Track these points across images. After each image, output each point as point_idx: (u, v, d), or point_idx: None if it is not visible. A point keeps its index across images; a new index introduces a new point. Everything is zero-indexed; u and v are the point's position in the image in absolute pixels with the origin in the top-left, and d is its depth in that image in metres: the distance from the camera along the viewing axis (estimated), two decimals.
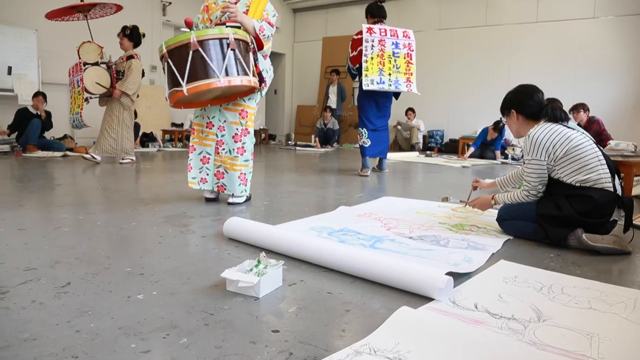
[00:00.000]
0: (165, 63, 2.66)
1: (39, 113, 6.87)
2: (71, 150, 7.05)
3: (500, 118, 6.87)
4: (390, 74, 4.81)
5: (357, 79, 5.05)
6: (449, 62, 9.77)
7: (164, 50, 2.67)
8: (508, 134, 7.85)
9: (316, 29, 11.30)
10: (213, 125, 2.95)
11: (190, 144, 3.03)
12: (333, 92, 10.13)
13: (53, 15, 5.57)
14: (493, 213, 2.70)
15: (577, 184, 2.12)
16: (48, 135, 7.17)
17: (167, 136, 9.15)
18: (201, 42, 2.59)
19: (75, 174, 4.58)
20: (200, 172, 3.01)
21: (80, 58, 5.34)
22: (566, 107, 6.41)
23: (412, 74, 5.04)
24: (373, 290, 1.53)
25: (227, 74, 2.56)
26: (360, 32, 4.82)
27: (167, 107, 9.79)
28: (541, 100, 2.34)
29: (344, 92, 10.17)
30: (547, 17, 8.68)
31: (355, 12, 10.89)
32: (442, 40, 9.82)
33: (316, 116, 10.41)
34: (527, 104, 2.34)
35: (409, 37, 5.01)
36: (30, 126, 6.67)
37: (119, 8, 5.94)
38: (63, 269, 1.67)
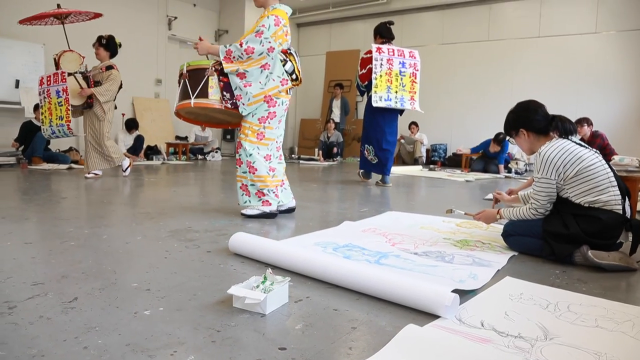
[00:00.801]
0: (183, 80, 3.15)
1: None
2: (76, 162, 7.09)
3: (500, 133, 6.85)
4: (396, 92, 5.09)
5: (364, 95, 5.30)
6: (452, 76, 9.82)
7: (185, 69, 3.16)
8: (511, 148, 7.86)
9: (320, 44, 11.40)
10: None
11: None
12: (337, 105, 10.19)
13: (27, 20, 5.36)
14: (498, 229, 2.70)
15: (586, 204, 2.12)
16: (53, 147, 7.22)
17: (171, 149, 9.19)
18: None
19: (80, 186, 4.60)
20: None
21: (59, 67, 5.09)
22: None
23: (415, 92, 5.31)
24: (379, 307, 1.53)
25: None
26: (370, 52, 5.05)
27: (171, 120, 9.87)
28: (546, 113, 2.35)
29: (348, 106, 10.23)
30: (549, 32, 8.75)
31: (358, 26, 10.99)
32: (445, 55, 9.89)
33: (320, 130, 10.45)
34: (534, 119, 2.33)
35: (415, 57, 5.28)
36: (35, 139, 6.72)
37: (96, 15, 5.74)
38: (70, 284, 1.67)
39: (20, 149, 6.86)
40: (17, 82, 7.22)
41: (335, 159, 9.69)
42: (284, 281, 1.52)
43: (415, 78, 5.31)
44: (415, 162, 9.37)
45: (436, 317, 1.45)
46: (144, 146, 8.38)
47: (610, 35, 8.22)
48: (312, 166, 8.37)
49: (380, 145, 5.20)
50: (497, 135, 7.56)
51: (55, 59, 5.16)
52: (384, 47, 5.10)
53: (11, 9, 7.13)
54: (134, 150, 8.07)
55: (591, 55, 8.36)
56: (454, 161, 9.40)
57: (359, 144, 5.73)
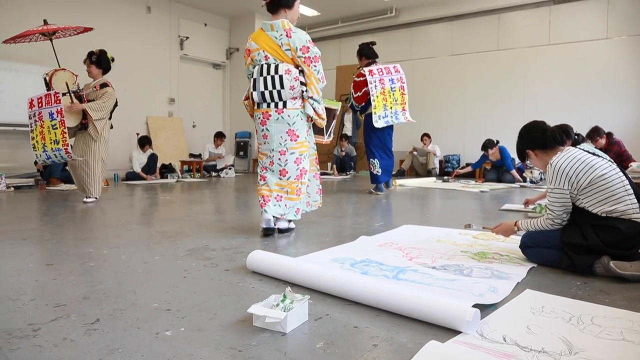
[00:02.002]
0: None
1: None
2: None
3: (486, 139, 6.92)
4: (391, 108, 5.46)
5: (360, 114, 5.85)
6: (462, 86, 9.82)
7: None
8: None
9: (330, 58, 11.48)
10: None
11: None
12: (348, 119, 10.23)
13: (12, 39, 5.19)
14: (515, 240, 2.68)
15: (604, 214, 2.09)
16: None
17: (185, 167, 9.28)
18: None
19: (96, 206, 4.66)
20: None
21: (51, 87, 4.78)
22: (585, 129, 6.33)
23: (405, 103, 5.60)
24: (399, 323, 1.52)
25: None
26: (361, 75, 5.50)
27: (185, 138, 9.98)
28: (544, 128, 2.36)
29: (359, 119, 10.26)
30: (559, 40, 8.72)
31: (367, 40, 11.04)
32: (455, 66, 9.90)
33: (332, 144, 10.48)
34: (533, 137, 2.37)
35: (399, 72, 5.62)
36: None
37: (86, 29, 5.49)
38: (91, 305, 1.69)
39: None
40: None
41: (348, 173, 9.69)
42: (304, 299, 1.52)
43: (404, 90, 5.59)
44: (428, 174, 9.34)
45: (457, 332, 1.44)
46: (159, 164, 8.47)
47: (622, 41, 8.17)
48: (325, 180, 8.38)
49: (383, 157, 5.68)
50: (484, 144, 7.55)
51: (45, 79, 4.89)
52: (374, 68, 5.51)
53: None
54: (148, 168, 8.16)
55: (603, 61, 8.31)
56: (467, 172, 9.34)
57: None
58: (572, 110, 8.34)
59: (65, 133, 4.58)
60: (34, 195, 5.76)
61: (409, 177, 9.22)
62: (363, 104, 5.51)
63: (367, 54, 5.67)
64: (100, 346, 1.34)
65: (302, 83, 3.02)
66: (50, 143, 4.64)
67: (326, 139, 3.39)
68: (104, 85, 5.04)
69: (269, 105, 3.03)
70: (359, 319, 1.56)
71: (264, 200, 3.04)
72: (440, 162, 9.81)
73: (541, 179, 7.93)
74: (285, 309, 1.45)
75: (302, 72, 3.03)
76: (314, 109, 3.06)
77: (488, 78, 9.51)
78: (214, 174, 9.48)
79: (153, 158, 8.25)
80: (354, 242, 2.82)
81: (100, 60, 5.05)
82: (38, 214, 4.11)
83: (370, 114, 5.47)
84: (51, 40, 5.20)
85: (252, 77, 3.07)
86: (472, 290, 1.85)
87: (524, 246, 2.38)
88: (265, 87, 2.99)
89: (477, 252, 2.56)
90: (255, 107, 3.11)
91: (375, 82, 5.38)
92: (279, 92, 2.98)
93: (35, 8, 7.51)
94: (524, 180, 7.58)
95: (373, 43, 5.78)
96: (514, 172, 7.49)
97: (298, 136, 3.06)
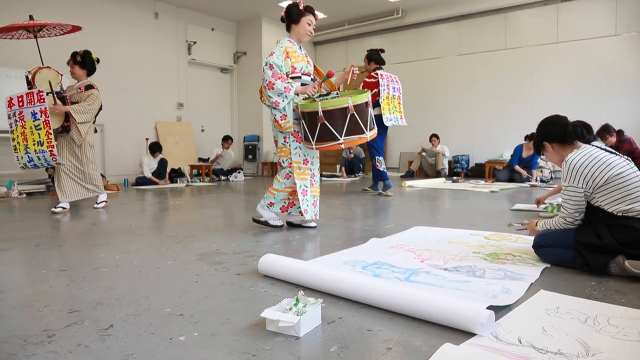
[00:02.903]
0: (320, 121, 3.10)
1: None
2: (103, 187, 7.21)
3: (533, 132, 6.95)
4: (393, 112, 5.79)
5: None
6: (470, 86, 9.78)
7: (320, 111, 3.06)
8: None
9: (337, 61, 11.48)
10: (308, 162, 3.34)
11: (299, 180, 3.28)
12: None
13: None
14: (527, 240, 2.66)
15: (619, 214, 2.07)
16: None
17: (194, 171, 9.31)
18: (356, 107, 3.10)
19: (107, 212, 4.69)
20: (306, 203, 3.32)
21: (34, 86, 4.51)
22: (595, 127, 6.30)
23: (401, 111, 6.01)
24: (413, 326, 1.52)
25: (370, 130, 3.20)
26: (372, 77, 5.81)
27: (194, 142, 10.02)
28: (565, 122, 2.33)
29: None
30: (567, 37, 8.66)
31: (374, 42, 11.05)
32: (463, 66, 9.87)
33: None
34: (552, 130, 2.35)
35: (398, 82, 6.06)
36: None
37: (74, 28, 5.22)
38: (105, 311, 1.70)
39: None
40: None
41: (357, 175, 9.68)
42: (317, 303, 1.51)
43: (400, 100, 6.01)
44: (437, 174, 9.30)
45: (472, 334, 1.43)
46: (168, 169, 8.51)
47: (632, 37, 8.09)
48: (334, 183, 8.37)
49: (383, 155, 5.99)
50: (531, 135, 7.41)
51: (27, 77, 4.61)
52: (383, 73, 5.84)
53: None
54: (159, 173, 8.20)
55: (612, 57, 8.23)
56: (477, 172, 9.30)
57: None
58: (581, 108, 8.26)
59: (51, 134, 4.35)
60: (45, 201, 5.80)
61: (418, 178, 9.18)
62: (372, 104, 5.67)
63: (377, 59, 5.91)
64: (115, 352, 1.35)
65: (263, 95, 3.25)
66: (34, 145, 4.37)
67: (369, 134, 3.18)
68: (89, 87, 4.82)
69: None
70: (372, 322, 1.55)
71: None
72: (450, 162, 9.77)
73: (551, 177, 7.87)
74: (298, 313, 1.45)
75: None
76: (273, 116, 3.22)
77: (496, 77, 9.46)
78: (223, 177, 9.51)
79: (163, 163, 8.29)
80: (365, 245, 2.81)
81: (84, 61, 4.83)
82: (50, 220, 4.14)
83: (377, 115, 5.58)
84: (36, 38, 4.93)
85: None
86: (486, 292, 1.83)
87: (537, 246, 2.36)
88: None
89: (489, 253, 2.54)
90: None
91: (384, 85, 5.67)
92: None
93: (41, 11, 7.58)
94: (535, 179, 7.52)
95: (382, 50, 6.03)
96: (534, 171, 7.41)
97: (276, 142, 3.34)
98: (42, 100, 4.32)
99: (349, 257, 2.48)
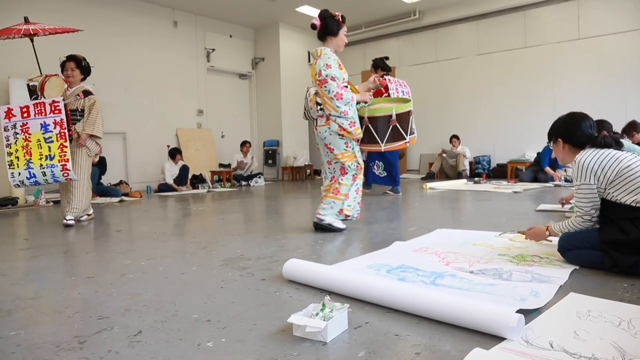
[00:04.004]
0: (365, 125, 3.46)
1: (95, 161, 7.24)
2: (127, 195, 7.35)
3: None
4: None
5: None
6: (490, 86, 9.68)
7: (366, 116, 3.45)
8: None
9: (355, 63, 11.48)
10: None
11: (358, 180, 3.50)
12: None
13: None
14: (555, 242, 2.61)
15: (637, 204, 2.03)
16: (105, 181, 7.52)
17: (215, 177, 9.40)
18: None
19: (132, 219, 4.76)
20: (354, 200, 3.50)
21: (42, 95, 4.29)
22: (619, 125, 6.16)
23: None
24: (441, 330, 1.50)
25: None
26: (381, 82, 5.88)
27: (215, 148, 10.11)
28: (590, 132, 2.28)
29: None
30: (589, 33, 8.51)
31: (392, 44, 11.04)
32: (483, 65, 9.77)
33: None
34: (574, 134, 2.31)
35: (407, 86, 6.12)
36: None
37: (68, 30, 4.96)
38: (133, 317, 1.72)
39: None
40: None
41: None
42: (343, 308, 1.51)
43: None
44: (458, 175, 9.22)
45: (501, 339, 1.40)
46: (190, 175, 8.60)
47: None
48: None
49: (388, 160, 6.22)
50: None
51: (29, 85, 4.39)
52: (391, 78, 5.99)
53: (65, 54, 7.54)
54: (180, 179, 8.31)
55: (636, 53, 8.06)
56: (499, 172, 9.19)
57: (400, 160, 6.14)
58: (606, 106, 8.11)
59: (66, 147, 4.11)
60: None
61: (439, 179, 9.11)
62: None
63: (383, 66, 6.17)
64: (144, 358, 1.36)
65: (317, 103, 3.37)
66: (40, 159, 4.08)
67: (409, 139, 3.52)
68: (87, 92, 4.54)
69: (312, 122, 3.56)
70: (400, 327, 1.54)
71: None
72: (470, 163, 9.68)
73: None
74: (325, 318, 1.45)
75: (317, 93, 3.39)
76: (338, 125, 3.32)
77: (516, 76, 9.34)
78: (243, 183, 9.58)
79: (185, 169, 8.39)
80: (389, 248, 2.79)
81: (87, 67, 4.59)
82: (76, 227, 4.21)
83: None
84: (31, 39, 4.66)
85: None
86: (514, 295, 1.81)
87: (562, 249, 2.32)
88: (304, 108, 3.56)
89: (516, 255, 2.50)
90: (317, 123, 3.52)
91: (393, 89, 5.85)
92: (308, 112, 3.49)
93: (62, 19, 7.75)
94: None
95: (387, 58, 6.28)
96: (561, 170, 7.29)
97: (333, 149, 3.40)
98: (57, 111, 4.11)
99: (373, 261, 2.47)
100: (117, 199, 6.83)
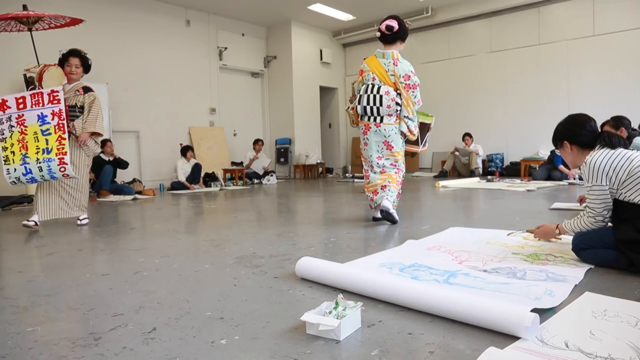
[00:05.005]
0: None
1: (110, 159, 7.31)
2: (140, 193, 7.41)
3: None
4: None
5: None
6: (503, 84, 9.59)
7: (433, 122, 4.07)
8: None
9: None
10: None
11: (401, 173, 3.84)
12: None
13: None
14: (569, 240, 2.58)
15: None
16: (118, 179, 7.59)
17: (228, 175, 9.44)
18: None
19: (145, 217, 4.80)
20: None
21: (41, 85, 3.95)
22: (637, 122, 6.06)
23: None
24: (454, 329, 1.49)
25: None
26: None
27: (227, 146, 10.16)
28: (594, 128, 2.28)
29: None
30: (605, 30, 8.38)
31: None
32: (495, 63, 9.69)
33: None
34: (579, 134, 2.30)
35: None
36: (102, 172, 7.10)
37: (74, 21, 4.62)
38: (147, 314, 1.73)
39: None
40: None
41: None
42: (357, 306, 1.51)
43: None
44: (471, 174, 9.16)
45: (516, 338, 1.39)
46: (202, 173, 8.65)
47: None
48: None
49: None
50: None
51: (26, 75, 4.12)
52: None
53: None
54: (193, 178, 8.35)
55: None
56: (512, 171, 9.11)
57: (412, 159, 6.10)
58: (621, 103, 7.99)
59: (64, 139, 3.83)
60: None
61: (452, 178, 9.06)
62: None
63: None
64: (159, 355, 1.37)
65: (397, 104, 3.63)
66: (37, 153, 3.79)
67: (421, 148, 3.96)
68: (87, 89, 4.27)
69: (369, 119, 3.71)
70: (413, 326, 1.54)
71: (372, 195, 3.75)
72: (483, 161, 9.60)
73: None
74: (338, 316, 1.45)
75: (399, 94, 3.64)
76: (407, 127, 3.67)
77: (530, 74, 9.25)
78: (255, 181, 9.61)
79: (197, 168, 8.44)
80: (401, 246, 2.79)
81: (88, 62, 4.32)
82: (91, 225, 4.26)
83: None
84: (30, 31, 4.36)
85: (359, 93, 3.75)
86: (528, 294, 1.79)
87: (577, 248, 2.30)
88: (368, 103, 3.66)
89: (530, 254, 2.48)
90: (359, 119, 3.81)
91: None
92: (377, 109, 3.64)
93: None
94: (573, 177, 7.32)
95: None
96: (562, 167, 7.24)
97: (393, 147, 3.70)
98: (56, 101, 3.83)
99: (386, 259, 2.47)
100: (131, 197, 6.89)
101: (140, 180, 8.25)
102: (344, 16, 10.51)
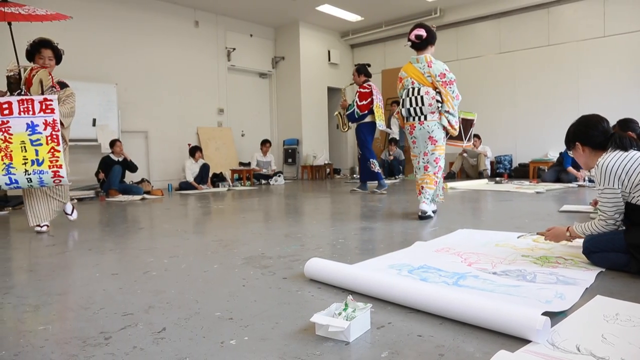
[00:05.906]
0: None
1: (119, 159, 7.35)
2: (148, 193, 7.45)
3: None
4: (380, 119, 6.63)
5: (355, 122, 6.73)
6: (512, 85, 9.54)
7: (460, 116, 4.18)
8: None
9: (374, 63, 11.40)
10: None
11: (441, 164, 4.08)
12: (395, 123, 10.10)
13: None
14: (580, 243, 2.56)
15: None
16: (127, 179, 7.64)
17: (235, 175, 9.46)
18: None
19: (154, 217, 4.82)
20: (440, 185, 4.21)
21: (27, 91, 3.70)
22: None
23: (383, 117, 6.80)
24: (464, 332, 1.49)
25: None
26: (365, 87, 6.57)
27: (235, 147, 10.18)
28: (606, 129, 2.26)
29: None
30: (615, 30, 8.33)
31: None
32: (504, 64, 9.65)
33: (380, 148, 10.42)
34: (591, 135, 2.28)
35: (380, 93, 6.78)
36: (111, 172, 7.15)
37: (58, 17, 4.18)
38: (157, 314, 1.74)
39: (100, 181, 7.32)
40: (94, 120, 7.74)
41: (397, 177, 9.60)
42: (366, 308, 1.51)
43: (382, 109, 6.80)
44: (479, 175, 9.12)
45: (526, 341, 1.38)
46: (210, 174, 8.68)
47: None
48: (374, 184, 8.31)
49: (364, 156, 6.71)
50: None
51: (9, 77, 3.70)
52: (372, 85, 6.64)
53: (89, 55, 7.67)
54: (201, 178, 8.38)
55: None
56: (520, 172, 9.06)
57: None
58: (632, 105, 7.92)
59: (58, 152, 3.59)
60: (95, 206, 6.02)
61: (460, 179, 9.02)
62: (365, 112, 6.49)
63: (365, 72, 6.71)
64: (169, 355, 1.38)
65: (437, 101, 3.87)
66: (24, 164, 3.51)
67: (465, 143, 4.31)
68: (63, 84, 4.02)
69: (414, 119, 3.99)
70: (423, 328, 1.53)
71: (419, 191, 4.05)
72: (492, 163, 9.56)
73: None
74: (347, 318, 1.45)
75: (438, 92, 3.88)
76: (448, 121, 3.92)
77: (539, 75, 9.20)
78: (263, 181, 9.63)
79: (205, 168, 8.47)
80: (410, 248, 2.78)
81: (59, 52, 4.03)
82: (100, 224, 4.29)
83: (368, 122, 6.56)
84: (9, 23, 3.95)
85: (402, 97, 4.04)
86: (538, 297, 1.78)
87: (587, 252, 2.28)
88: (410, 105, 3.95)
89: (540, 257, 2.46)
90: (405, 121, 4.08)
91: (376, 95, 6.49)
92: (420, 109, 3.91)
93: (84, 18, 7.87)
94: (582, 179, 7.26)
95: (369, 65, 6.87)
96: (583, 171, 7.18)
97: (436, 141, 3.97)
98: (49, 110, 3.56)
99: (395, 260, 2.46)
100: (139, 197, 6.92)
101: (149, 180, 8.29)
102: (352, 17, 10.52)
